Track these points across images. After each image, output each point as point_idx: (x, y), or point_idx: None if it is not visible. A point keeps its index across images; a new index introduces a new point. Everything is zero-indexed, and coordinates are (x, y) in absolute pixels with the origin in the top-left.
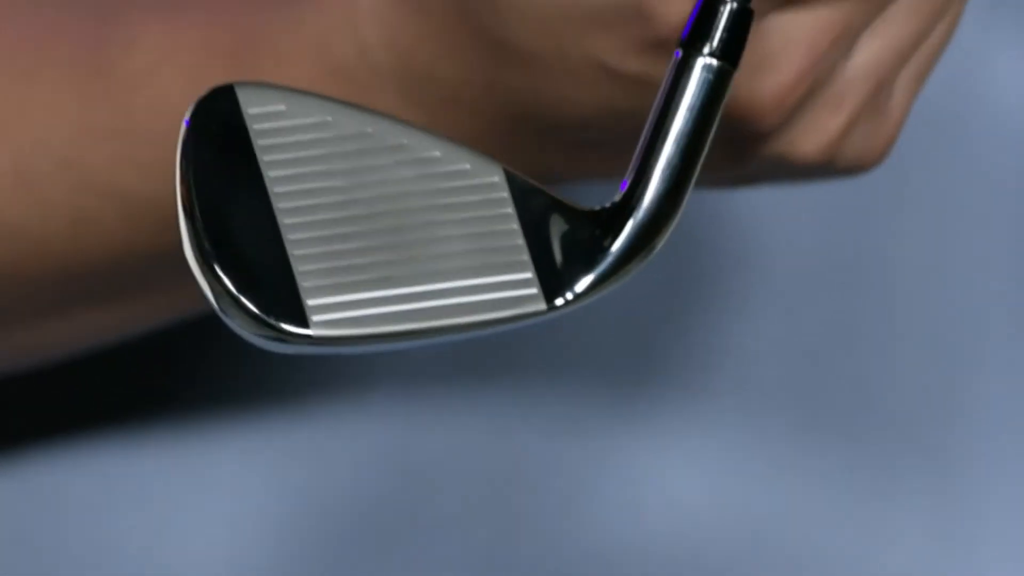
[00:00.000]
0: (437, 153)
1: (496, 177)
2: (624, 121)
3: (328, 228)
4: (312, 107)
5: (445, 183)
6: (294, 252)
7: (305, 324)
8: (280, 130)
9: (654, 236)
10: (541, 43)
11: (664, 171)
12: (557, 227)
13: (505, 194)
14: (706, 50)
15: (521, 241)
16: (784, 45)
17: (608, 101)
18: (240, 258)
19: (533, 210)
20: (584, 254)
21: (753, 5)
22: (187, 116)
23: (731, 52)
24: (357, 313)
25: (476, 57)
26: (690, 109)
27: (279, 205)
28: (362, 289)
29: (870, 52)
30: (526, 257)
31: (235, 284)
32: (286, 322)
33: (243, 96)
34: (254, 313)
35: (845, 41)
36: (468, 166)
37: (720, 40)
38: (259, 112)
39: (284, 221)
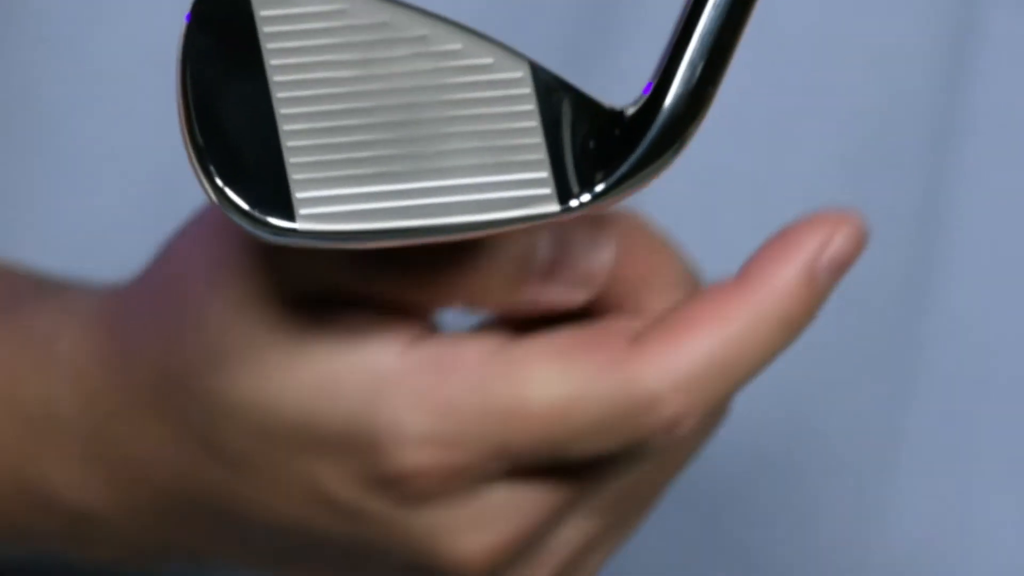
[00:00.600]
0: (458, 46)
1: (520, 72)
2: (324, 547)
3: (328, 120)
4: None
5: (463, 77)
6: (288, 143)
7: (291, 217)
8: (288, 17)
9: (676, 137)
10: (253, 450)
11: (689, 70)
12: (579, 125)
13: (527, 90)
14: None
15: (539, 139)
16: (502, 510)
17: (311, 522)
18: (231, 147)
19: (555, 107)
20: (604, 154)
21: None
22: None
23: None
24: (350, 208)
25: (175, 446)
26: (717, 6)
27: (277, 94)
28: (358, 183)
29: (574, 530)
30: (542, 156)
31: (222, 173)
32: (272, 215)
33: None
34: (238, 204)
35: (558, 519)
36: (491, 60)
37: None
38: None
39: (281, 111)
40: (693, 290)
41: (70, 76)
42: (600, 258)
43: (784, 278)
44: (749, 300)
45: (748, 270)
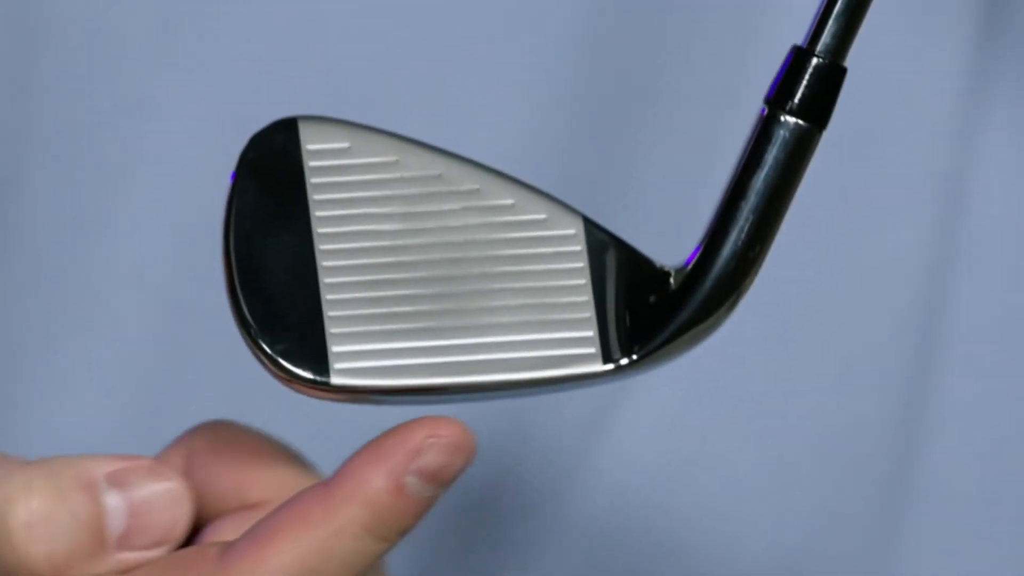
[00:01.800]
0: (511, 200)
1: (573, 229)
2: None
3: (370, 273)
4: (381, 145)
5: (514, 232)
6: (328, 296)
7: (326, 371)
8: (338, 168)
9: (724, 300)
10: None
11: (738, 233)
12: (629, 285)
13: (579, 247)
14: (788, 107)
15: (587, 297)
16: None
17: None
18: (270, 296)
19: (605, 265)
20: (652, 315)
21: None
22: (243, 149)
23: (815, 111)
24: (387, 363)
25: None
26: (769, 169)
27: (320, 246)
28: (398, 338)
29: None
30: (589, 314)
31: (258, 322)
32: (306, 368)
33: (305, 130)
34: (271, 355)
35: None
36: (544, 215)
37: (803, 97)
38: (319, 148)
39: (323, 263)
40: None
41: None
42: (174, 513)
43: (371, 484)
44: (334, 507)
45: (338, 475)
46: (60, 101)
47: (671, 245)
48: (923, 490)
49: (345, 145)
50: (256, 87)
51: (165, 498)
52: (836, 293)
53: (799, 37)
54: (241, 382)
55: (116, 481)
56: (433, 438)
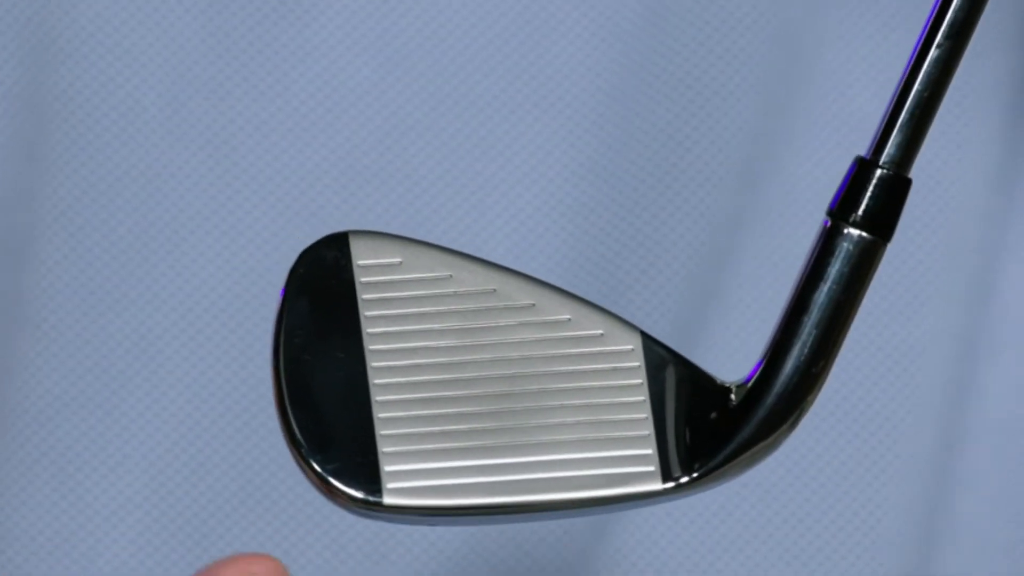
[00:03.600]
0: (568, 316)
1: (632, 345)
2: None
3: (424, 391)
4: (434, 261)
5: (572, 348)
6: (380, 415)
7: (378, 492)
8: (390, 283)
9: (787, 417)
10: None
11: (801, 348)
12: (688, 402)
13: (638, 363)
14: (852, 219)
15: (645, 415)
16: None
17: None
18: (321, 416)
19: (665, 381)
20: (713, 433)
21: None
22: (292, 265)
23: (880, 223)
24: (441, 482)
25: None
26: (832, 282)
27: (373, 364)
28: (452, 457)
29: None
30: (648, 431)
31: (309, 443)
32: (358, 488)
33: (356, 246)
34: (323, 476)
35: None
36: (601, 331)
37: (867, 209)
38: (370, 264)
39: (375, 381)
40: None
41: None
42: None
43: None
44: None
45: None
46: (72, 170)
47: (694, 324)
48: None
49: (397, 260)
50: (269, 159)
51: None
52: (859, 378)
53: (821, 111)
54: (255, 460)
55: None
56: (253, 568)
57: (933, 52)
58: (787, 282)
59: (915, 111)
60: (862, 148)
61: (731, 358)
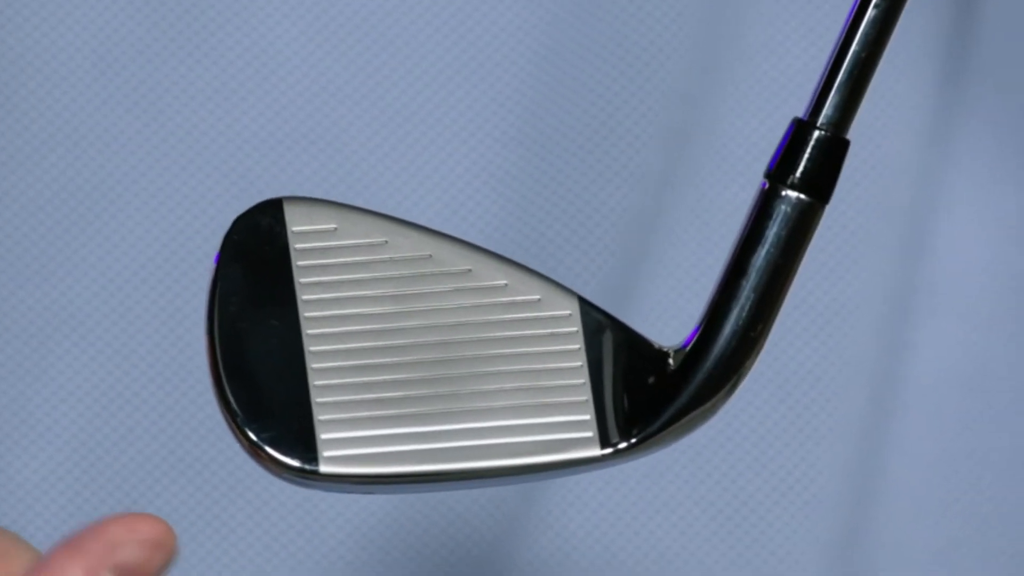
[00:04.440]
0: (504, 281)
1: (569, 310)
2: None
3: (360, 358)
4: (369, 227)
5: (508, 314)
6: (316, 382)
7: (315, 460)
8: (325, 250)
9: (725, 381)
10: None
11: (739, 312)
12: (626, 367)
13: (575, 328)
14: (790, 181)
15: (583, 380)
16: None
17: None
18: (256, 385)
19: (603, 347)
20: (651, 398)
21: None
22: (227, 231)
23: (818, 185)
24: (378, 450)
25: None
26: (770, 245)
27: (308, 331)
28: (389, 424)
29: None
30: (586, 397)
31: (245, 412)
32: (294, 457)
33: (291, 212)
34: (259, 445)
35: None
36: (538, 296)
37: (805, 171)
38: (305, 230)
39: (310, 348)
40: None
41: None
42: None
43: None
44: None
45: (36, 570)
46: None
47: (626, 286)
48: (876, 539)
49: (332, 226)
50: (200, 123)
51: None
52: (790, 338)
53: (750, 69)
54: (184, 426)
55: None
56: (131, 534)
57: (871, 12)
58: (718, 241)
59: (852, 71)
60: (792, 106)
61: (661, 318)
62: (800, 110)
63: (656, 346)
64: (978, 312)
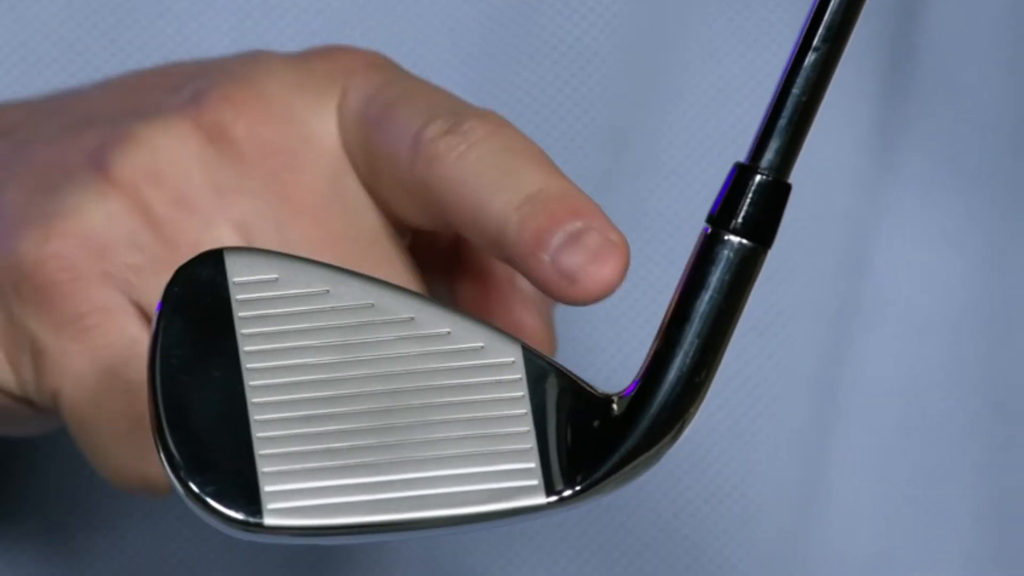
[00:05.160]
0: (447, 329)
1: (512, 357)
2: None
3: (304, 408)
4: (311, 276)
5: (452, 362)
6: (258, 434)
7: (258, 512)
8: (267, 300)
9: (670, 427)
10: None
11: (683, 358)
12: (570, 413)
13: (519, 376)
14: (732, 226)
15: (528, 428)
16: None
17: None
18: (199, 437)
19: (547, 394)
20: (595, 445)
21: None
22: (168, 282)
23: (760, 230)
24: (323, 501)
25: None
26: (713, 291)
27: (250, 382)
28: (334, 476)
29: None
30: (531, 444)
31: (187, 463)
32: (237, 509)
33: (231, 262)
34: (201, 497)
35: None
36: (482, 344)
37: (747, 216)
38: (246, 281)
39: (253, 400)
40: None
41: None
42: None
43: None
44: None
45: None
46: None
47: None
48: (815, 545)
49: (273, 276)
50: None
51: None
52: (732, 344)
53: (688, 74)
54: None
55: None
56: (597, 233)
57: (810, 56)
58: (657, 246)
59: (793, 116)
60: (725, 111)
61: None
62: (736, 110)
63: (599, 393)
64: (916, 320)
